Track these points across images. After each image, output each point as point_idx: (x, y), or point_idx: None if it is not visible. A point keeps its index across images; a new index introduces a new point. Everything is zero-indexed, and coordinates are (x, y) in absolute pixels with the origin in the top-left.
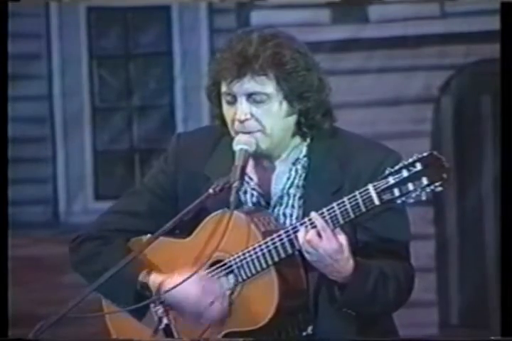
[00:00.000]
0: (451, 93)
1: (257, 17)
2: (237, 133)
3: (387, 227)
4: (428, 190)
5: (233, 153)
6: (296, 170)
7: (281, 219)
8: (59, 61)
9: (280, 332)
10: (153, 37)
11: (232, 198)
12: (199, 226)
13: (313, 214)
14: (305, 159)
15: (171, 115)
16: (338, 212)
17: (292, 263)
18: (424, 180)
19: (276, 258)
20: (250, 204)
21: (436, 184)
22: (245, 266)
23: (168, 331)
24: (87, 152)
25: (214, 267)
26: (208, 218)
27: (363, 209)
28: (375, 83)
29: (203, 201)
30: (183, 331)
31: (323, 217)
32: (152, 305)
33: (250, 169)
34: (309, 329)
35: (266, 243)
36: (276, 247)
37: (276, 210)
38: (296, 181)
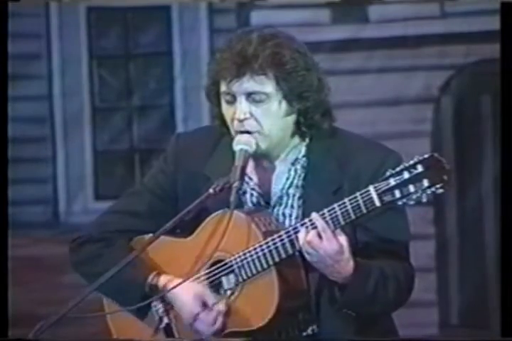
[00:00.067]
0: (451, 93)
1: (257, 17)
2: (236, 132)
3: (387, 227)
4: (429, 191)
5: (233, 153)
6: (296, 170)
7: (281, 219)
8: (59, 61)
9: (280, 332)
10: (153, 37)
11: (232, 198)
12: (200, 226)
13: (313, 215)
14: (304, 159)
15: (171, 115)
16: (339, 212)
17: (293, 264)
18: (425, 182)
19: (276, 259)
20: (250, 205)
21: (437, 186)
22: (246, 266)
23: (168, 330)
24: (87, 152)
25: (215, 267)
26: (208, 218)
27: (364, 211)
28: (375, 83)
29: (203, 201)
30: (183, 330)
31: (324, 218)
32: (153, 305)
33: (250, 169)
34: (309, 330)
35: (267, 243)
36: (276, 247)
37: (275, 210)
38: (295, 181)
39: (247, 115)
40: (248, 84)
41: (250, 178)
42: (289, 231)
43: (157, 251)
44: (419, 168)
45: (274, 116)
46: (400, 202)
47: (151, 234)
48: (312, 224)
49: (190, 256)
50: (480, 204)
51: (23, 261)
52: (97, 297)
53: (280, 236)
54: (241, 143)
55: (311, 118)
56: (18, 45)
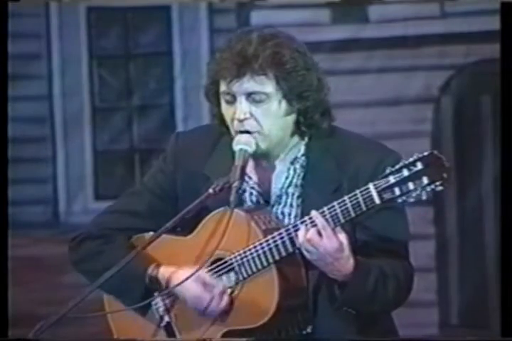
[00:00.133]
0: (451, 93)
1: (257, 17)
2: (236, 132)
3: (386, 226)
4: (428, 189)
5: (233, 152)
6: (295, 169)
7: (280, 218)
8: (59, 61)
9: (280, 331)
10: (153, 37)
11: (232, 198)
12: (200, 225)
13: (313, 213)
14: (303, 158)
15: (171, 115)
16: (338, 210)
17: (293, 262)
18: (425, 180)
19: (276, 257)
20: (249, 203)
21: (437, 183)
22: (246, 264)
23: (169, 329)
24: (87, 152)
25: (215, 265)
26: (208, 216)
27: (364, 208)
28: (375, 83)
29: (202, 201)
30: (184, 329)
31: (324, 216)
32: (153, 303)
33: (250, 169)
34: (309, 328)
35: (267, 241)
36: (276, 245)
37: (274, 209)
38: (294, 180)
39: (247, 115)
40: (248, 84)
41: (250, 177)
42: (288, 229)
43: (157, 249)
44: (419, 166)
45: (274, 115)
46: (399, 200)
47: (151, 233)
48: (312, 222)
49: (191, 255)
50: (480, 204)
51: (23, 261)
52: (97, 297)
53: (280, 234)
54: (241, 143)
55: (311, 118)
56: (18, 45)
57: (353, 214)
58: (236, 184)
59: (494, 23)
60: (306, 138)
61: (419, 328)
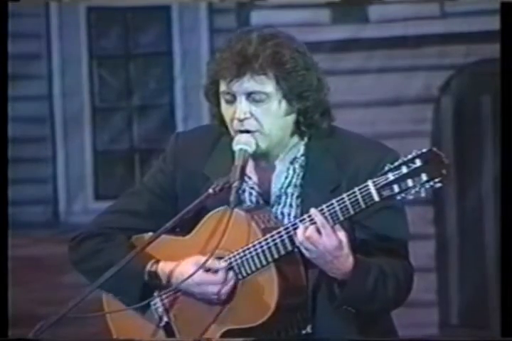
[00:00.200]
0: (451, 93)
1: (257, 17)
2: (236, 132)
3: (386, 225)
4: (427, 186)
5: (233, 152)
6: (294, 169)
7: (280, 218)
8: (59, 61)
9: (279, 331)
10: (153, 37)
11: (232, 198)
12: (199, 224)
13: (312, 211)
14: (303, 158)
15: (171, 115)
16: (337, 208)
17: (292, 260)
18: (424, 176)
19: (276, 255)
20: (249, 203)
21: (436, 180)
22: (245, 263)
23: (168, 329)
24: (87, 152)
25: None
26: (208, 215)
27: (363, 206)
28: (375, 83)
29: (202, 201)
30: (183, 329)
31: (323, 214)
32: (152, 303)
33: (250, 169)
34: (309, 328)
35: (266, 240)
36: (276, 244)
37: (274, 209)
38: (293, 180)
39: (247, 115)
40: (248, 83)
41: (249, 177)
42: (288, 228)
43: (156, 249)
44: (418, 163)
45: (274, 115)
46: (398, 197)
47: (150, 233)
48: (311, 220)
49: (190, 254)
50: (480, 204)
51: (23, 261)
52: (97, 297)
53: (279, 232)
54: (241, 143)
55: (311, 118)
56: (18, 45)
57: (352, 212)
58: (236, 184)
59: (494, 23)
60: (306, 138)
61: (419, 328)
